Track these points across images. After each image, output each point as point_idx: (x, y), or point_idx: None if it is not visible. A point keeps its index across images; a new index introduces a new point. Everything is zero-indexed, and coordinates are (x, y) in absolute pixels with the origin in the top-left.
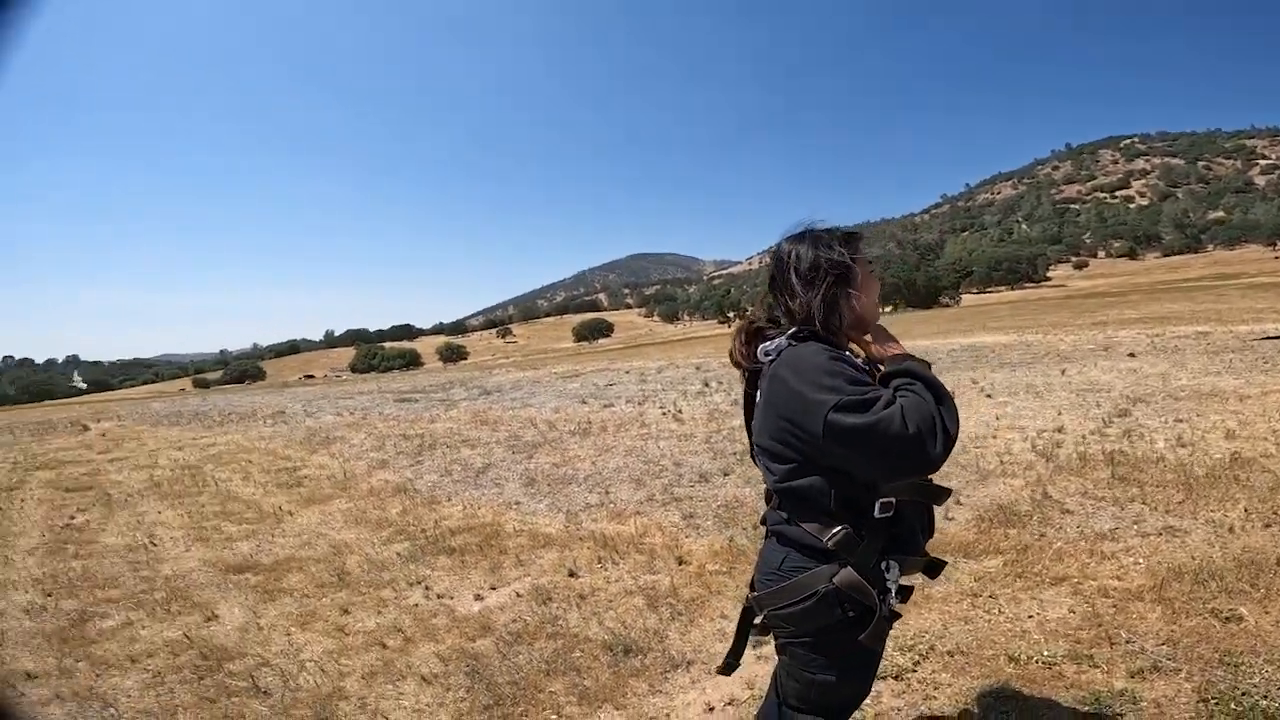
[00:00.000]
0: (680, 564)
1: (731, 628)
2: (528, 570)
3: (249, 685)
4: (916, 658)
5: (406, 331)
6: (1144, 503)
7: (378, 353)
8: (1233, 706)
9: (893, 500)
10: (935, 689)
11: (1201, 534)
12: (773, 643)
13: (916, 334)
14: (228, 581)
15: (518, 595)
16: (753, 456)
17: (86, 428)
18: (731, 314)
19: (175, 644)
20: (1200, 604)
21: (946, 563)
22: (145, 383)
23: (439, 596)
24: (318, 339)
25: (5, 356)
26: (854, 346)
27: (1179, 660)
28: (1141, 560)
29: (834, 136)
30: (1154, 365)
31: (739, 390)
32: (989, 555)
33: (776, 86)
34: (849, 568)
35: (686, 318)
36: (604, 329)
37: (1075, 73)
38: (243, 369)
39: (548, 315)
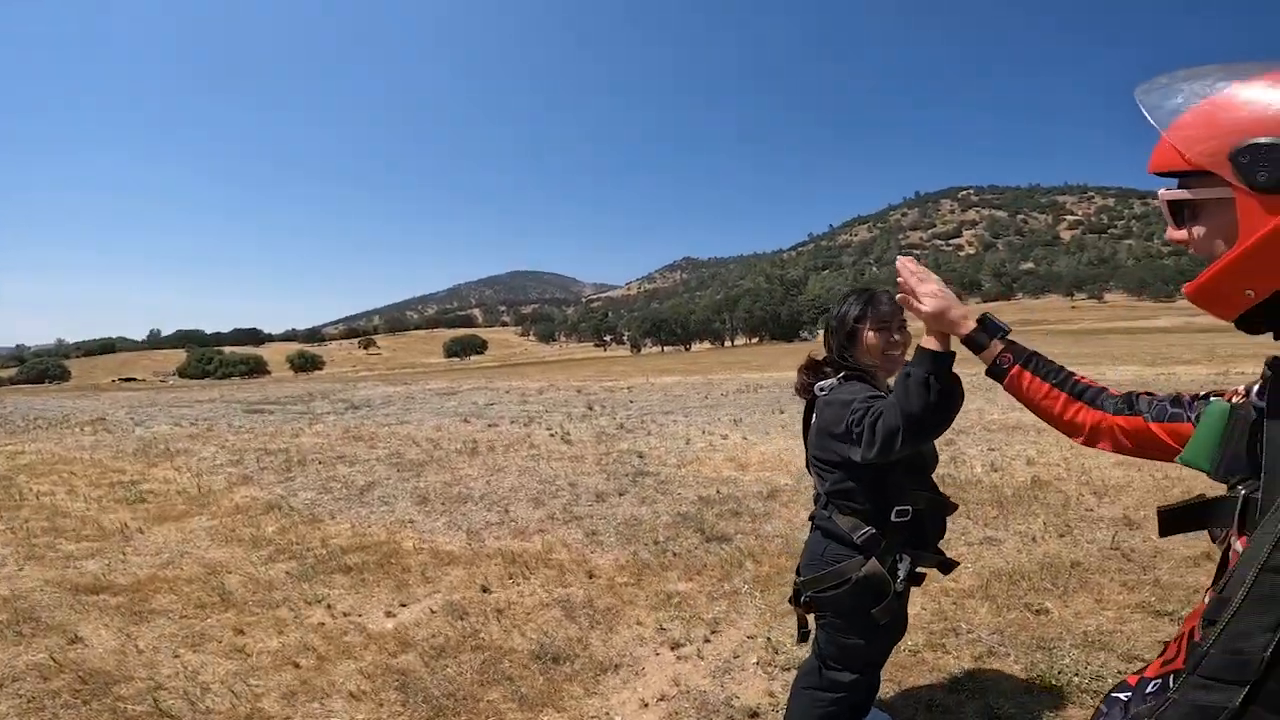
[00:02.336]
0: (590, 577)
1: (647, 634)
2: (436, 587)
3: (150, 708)
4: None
5: (252, 336)
6: (968, 517)
7: (214, 358)
8: (1052, 682)
9: (909, 508)
10: None
11: (1013, 543)
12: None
13: (784, 365)
14: (80, 603)
15: (431, 611)
16: (807, 466)
17: None
18: (608, 338)
19: (42, 667)
20: (1017, 599)
21: (959, 563)
22: None
23: (345, 615)
24: (140, 338)
25: None
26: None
27: (1007, 646)
28: (970, 565)
29: (713, 173)
30: (972, 402)
31: (623, 414)
32: None
33: (665, 119)
34: (874, 560)
35: (563, 339)
36: (478, 346)
37: (921, 124)
38: (42, 368)
39: (418, 328)
